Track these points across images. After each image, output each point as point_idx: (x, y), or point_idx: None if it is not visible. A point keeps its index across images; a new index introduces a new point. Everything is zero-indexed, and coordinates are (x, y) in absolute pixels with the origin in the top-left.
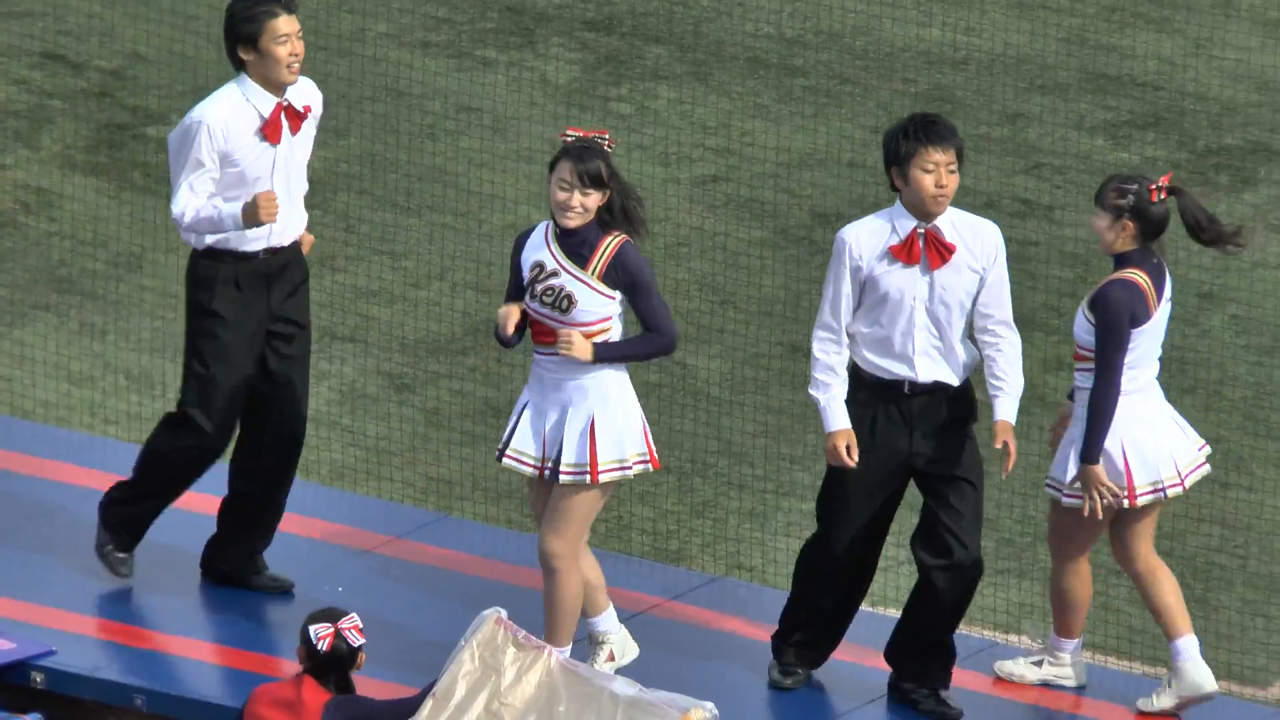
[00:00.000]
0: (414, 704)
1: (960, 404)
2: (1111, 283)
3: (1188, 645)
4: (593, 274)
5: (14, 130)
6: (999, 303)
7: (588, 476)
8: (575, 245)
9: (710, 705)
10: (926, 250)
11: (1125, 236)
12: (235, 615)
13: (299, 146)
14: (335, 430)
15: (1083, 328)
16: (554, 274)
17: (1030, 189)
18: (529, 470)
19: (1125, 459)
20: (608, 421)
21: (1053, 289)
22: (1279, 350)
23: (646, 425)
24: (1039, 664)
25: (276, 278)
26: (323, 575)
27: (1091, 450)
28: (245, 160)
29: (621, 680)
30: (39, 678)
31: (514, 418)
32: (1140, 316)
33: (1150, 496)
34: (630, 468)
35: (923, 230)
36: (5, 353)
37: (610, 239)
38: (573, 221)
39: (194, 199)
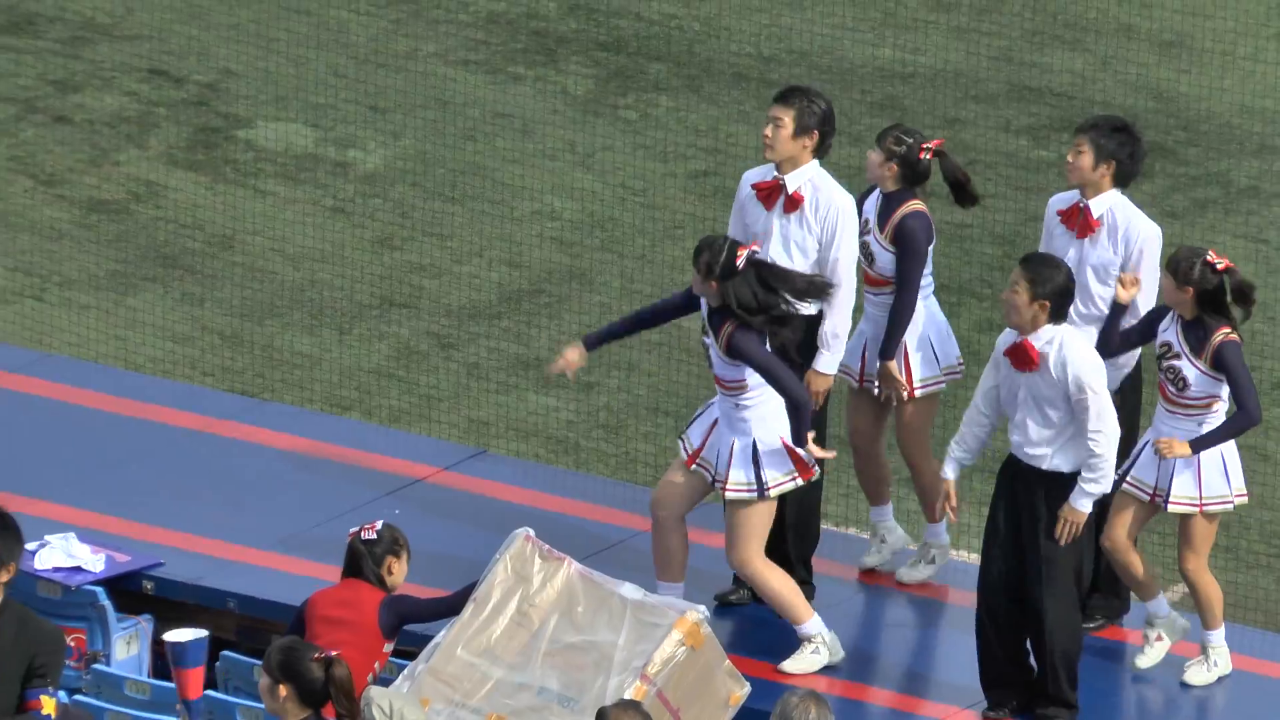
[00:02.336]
0: (455, 601)
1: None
2: (906, 215)
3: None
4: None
5: (126, 133)
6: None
7: (757, 493)
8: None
9: (703, 608)
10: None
11: (889, 177)
12: (307, 533)
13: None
14: (392, 381)
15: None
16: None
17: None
18: (682, 455)
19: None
20: (769, 443)
21: (984, 264)
22: None
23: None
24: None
25: None
26: (383, 500)
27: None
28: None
29: (629, 585)
30: (149, 585)
31: (701, 410)
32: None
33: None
34: (797, 479)
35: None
36: (120, 317)
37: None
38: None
39: None
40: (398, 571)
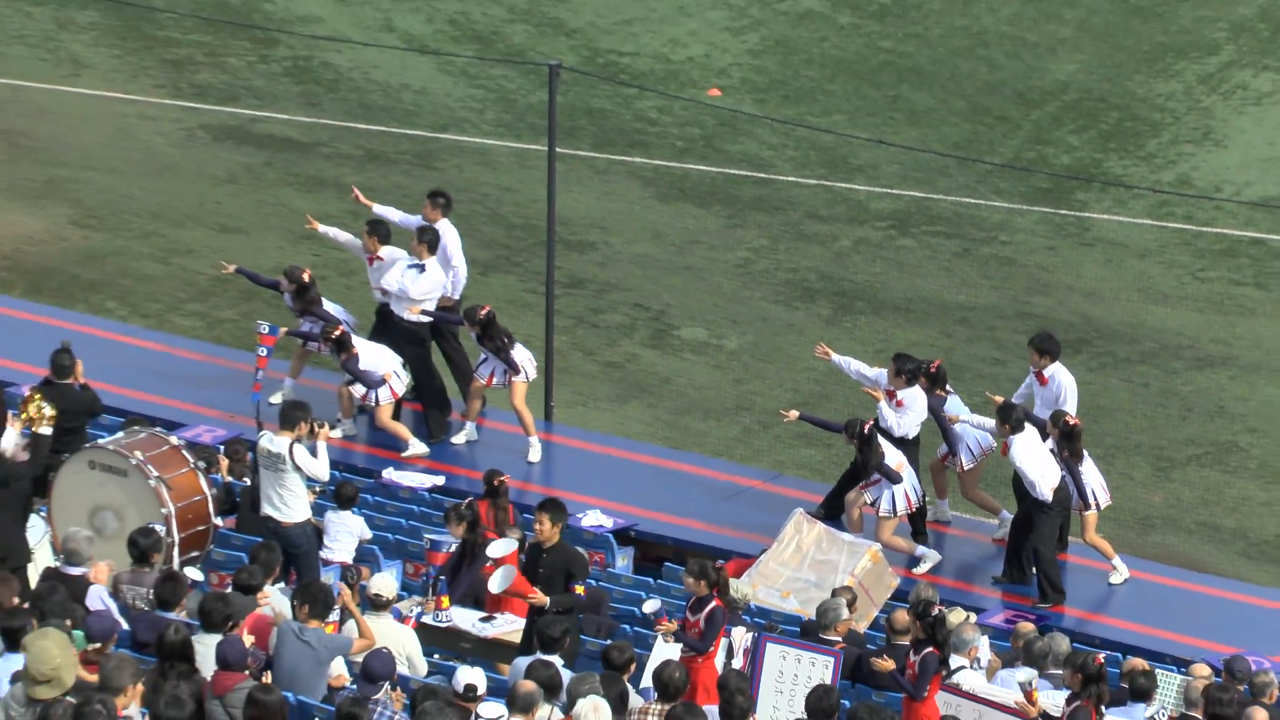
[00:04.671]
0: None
1: None
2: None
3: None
4: None
5: None
6: None
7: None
8: None
9: (879, 545)
10: None
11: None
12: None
13: None
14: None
15: None
16: None
17: None
18: None
19: None
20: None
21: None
22: None
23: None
24: None
25: None
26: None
27: None
28: None
29: (847, 534)
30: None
31: None
32: None
33: None
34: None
35: None
36: None
37: None
38: None
39: None
40: None
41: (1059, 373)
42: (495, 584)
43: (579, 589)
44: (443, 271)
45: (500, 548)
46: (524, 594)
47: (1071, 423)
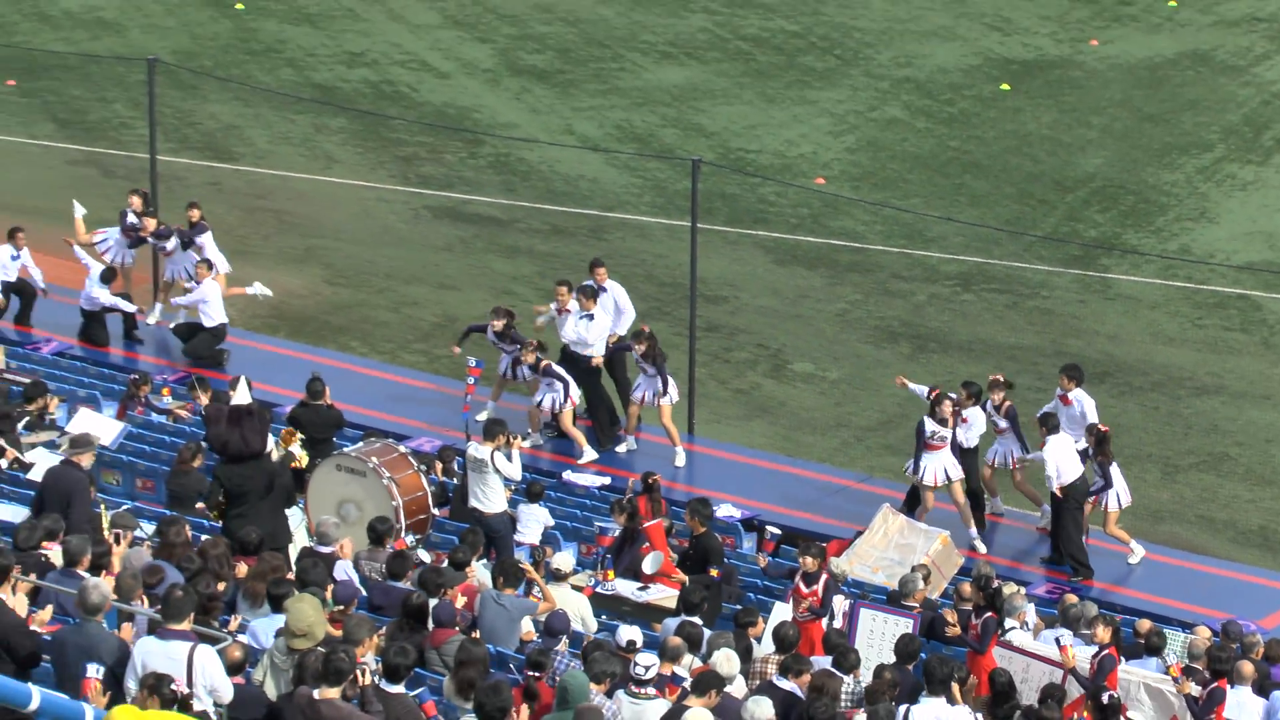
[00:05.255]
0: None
1: None
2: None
3: None
4: None
5: None
6: None
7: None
8: None
9: (947, 532)
10: None
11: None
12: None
13: None
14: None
15: None
16: None
17: None
18: None
19: None
20: None
21: None
22: None
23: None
24: None
25: None
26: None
27: None
28: None
29: (923, 524)
30: None
31: None
32: None
33: None
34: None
35: None
36: None
37: None
38: None
39: None
40: None
41: (1080, 396)
42: (648, 566)
43: (713, 571)
44: (607, 316)
45: (651, 563)
46: (669, 574)
47: (1103, 429)
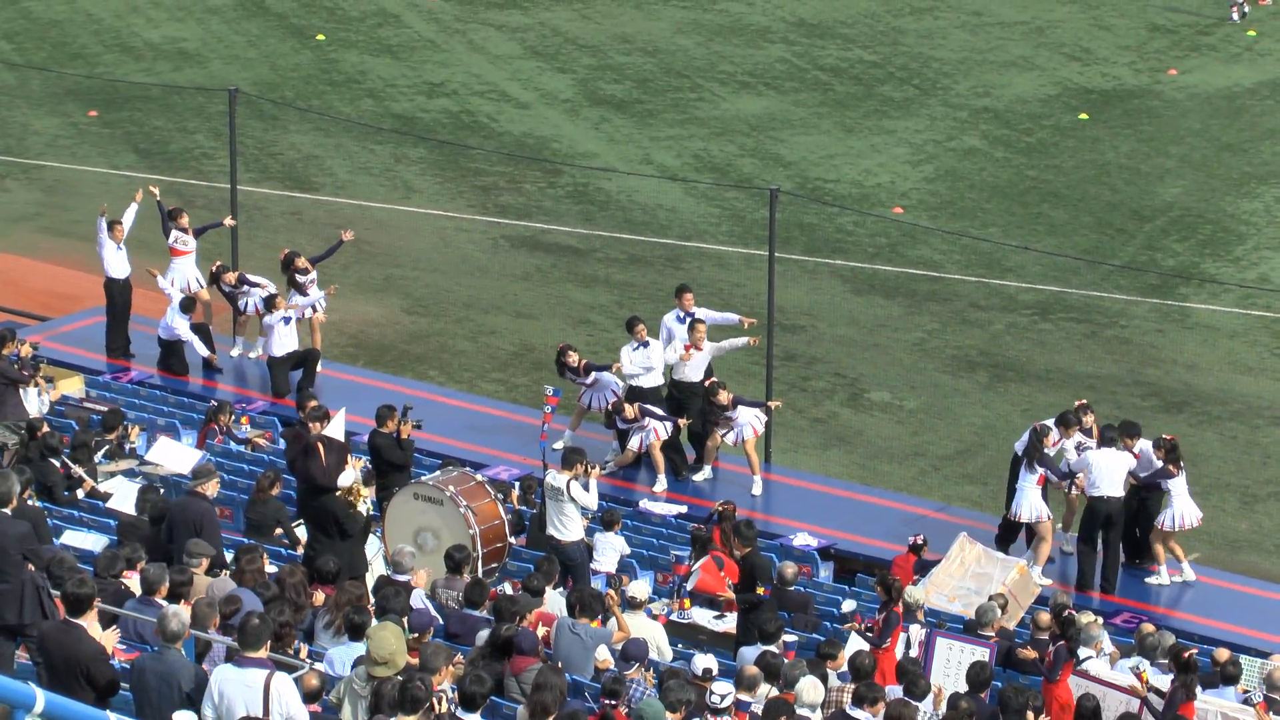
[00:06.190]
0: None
1: None
2: None
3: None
4: None
5: None
6: None
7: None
8: None
9: (1024, 561)
10: None
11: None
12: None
13: None
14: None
15: None
16: None
17: None
18: None
19: None
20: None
21: None
22: None
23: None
24: None
25: None
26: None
27: None
28: None
29: (999, 553)
30: None
31: None
32: None
33: None
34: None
35: None
36: None
37: None
38: None
39: None
40: None
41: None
42: (690, 583)
43: (761, 589)
44: (660, 347)
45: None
46: (715, 592)
47: (1169, 438)
